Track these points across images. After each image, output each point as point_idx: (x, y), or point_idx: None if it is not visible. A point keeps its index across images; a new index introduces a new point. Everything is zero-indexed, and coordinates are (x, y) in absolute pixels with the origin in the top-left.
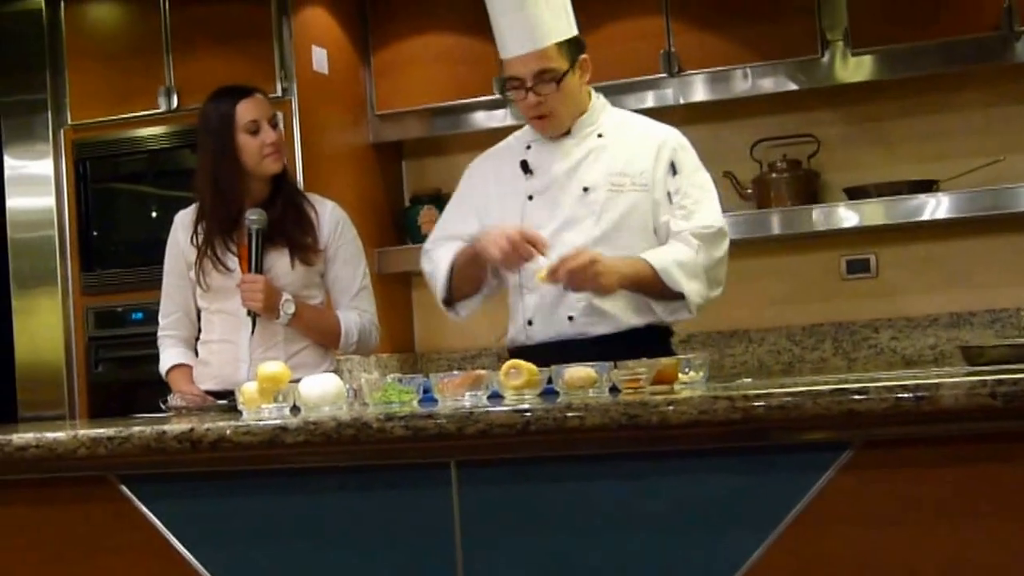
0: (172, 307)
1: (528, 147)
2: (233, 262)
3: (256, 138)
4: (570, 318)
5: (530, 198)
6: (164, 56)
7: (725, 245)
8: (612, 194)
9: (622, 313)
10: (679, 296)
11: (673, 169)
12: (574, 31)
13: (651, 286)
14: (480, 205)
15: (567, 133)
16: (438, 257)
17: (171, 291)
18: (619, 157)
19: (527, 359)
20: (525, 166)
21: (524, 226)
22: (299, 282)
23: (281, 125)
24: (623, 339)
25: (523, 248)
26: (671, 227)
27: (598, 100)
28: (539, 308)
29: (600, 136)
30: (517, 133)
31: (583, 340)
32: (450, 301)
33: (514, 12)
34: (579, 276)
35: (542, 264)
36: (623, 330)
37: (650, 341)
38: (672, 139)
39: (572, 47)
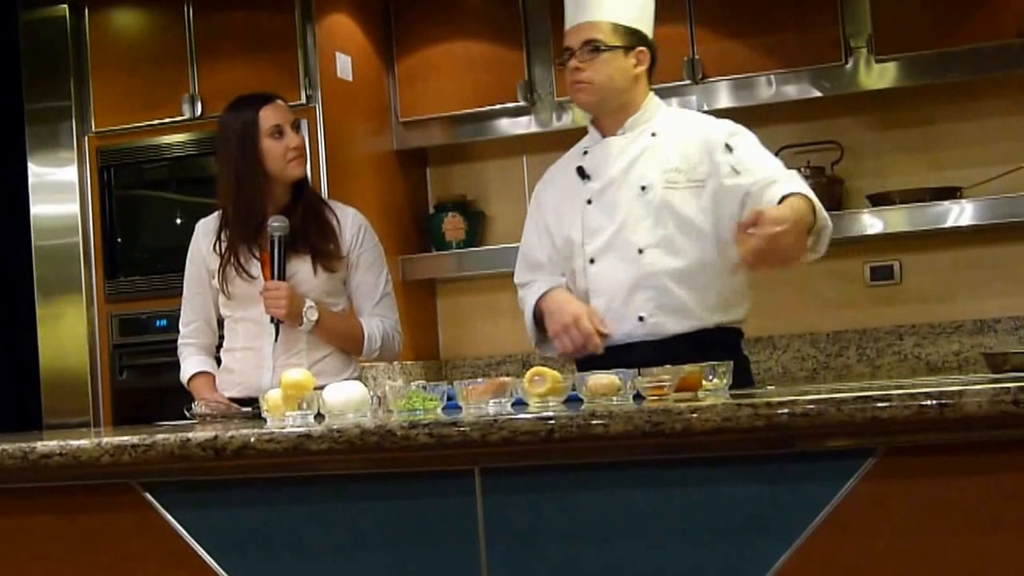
0: (193, 315)
1: (585, 152)
2: (256, 269)
3: (280, 142)
4: (640, 318)
5: (589, 202)
6: (188, 63)
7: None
8: (668, 191)
9: (692, 311)
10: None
11: (728, 148)
12: (639, 26)
13: (808, 216)
14: (547, 222)
15: (621, 133)
16: (526, 302)
17: (192, 299)
18: (673, 154)
19: (595, 365)
20: (582, 171)
21: (588, 311)
22: (322, 289)
23: (305, 131)
24: (692, 340)
25: (580, 340)
26: (751, 176)
27: (653, 99)
28: (608, 310)
29: (654, 135)
30: (579, 143)
31: (653, 342)
32: (545, 338)
33: None
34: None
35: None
36: (694, 330)
37: (720, 344)
38: (726, 129)
39: (631, 34)
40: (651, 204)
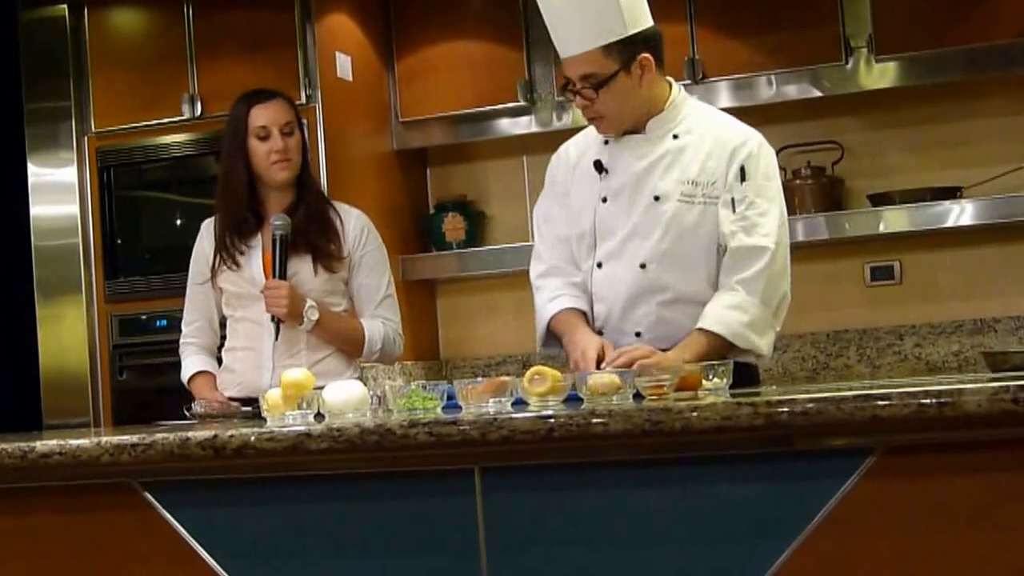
0: (195, 314)
1: (606, 142)
2: (243, 260)
3: (265, 144)
4: (637, 334)
5: (604, 200)
6: (188, 63)
7: (783, 267)
8: (682, 206)
9: (688, 330)
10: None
11: (742, 175)
12: (628, 29)
13: (722, 351)
14: (565, 197)
15: (642, 131)
16: (541, 304)
17: (194, 298)
18: (693, 164)
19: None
20: (599, 165)
21: (591, 349)
22: (322, 289)
23: (305, 132)
24: None
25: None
26: (732, 243)
27: (679, 95)
28: (608, 319)
29: (676, 137)
30: None
31: None
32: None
33: (561, 15)
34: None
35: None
36: None
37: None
38: (749, 144)
39: (625, 47)
40: (662, 217)
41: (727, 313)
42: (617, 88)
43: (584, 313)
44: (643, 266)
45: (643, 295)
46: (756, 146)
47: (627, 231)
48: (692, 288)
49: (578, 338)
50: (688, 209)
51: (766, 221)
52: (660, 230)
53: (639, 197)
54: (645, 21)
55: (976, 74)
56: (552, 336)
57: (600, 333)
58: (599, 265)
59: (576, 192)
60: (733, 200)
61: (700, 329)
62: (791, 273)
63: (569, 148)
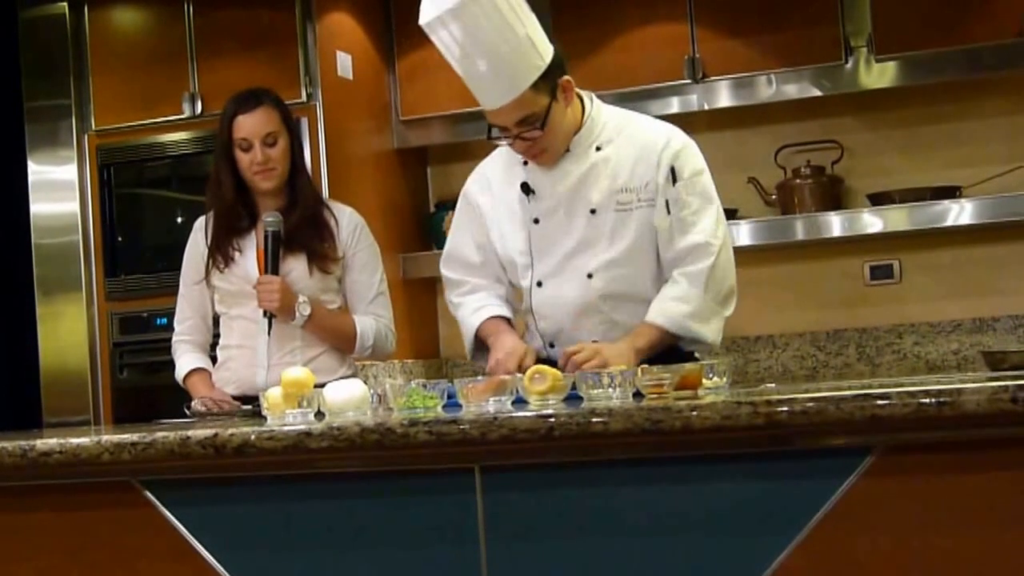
0: (189, 311)
1: (525, 163)
2: (237, 258)
3: (246, 155)
4: (594, 343)
5: (536, 221)
6: (188, 61)
7: (727, 259)
8: (620, 214)
9: None
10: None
11: (673, 176)
12: (545, 60)
13: (668, 340)
14: (486, 234)
15: (566, 151)
16: (463, 317)
17: (188, 295)
18: (622, 171)
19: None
20: (526, 188)
21: (525, 354)
22: (316, 288)
23: (305, 129)
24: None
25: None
26: (671, 246)
27: (592, 107)
28: (557, 335)
29: (599, 149)
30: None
31: None
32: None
33: (477, 69)
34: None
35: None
36: None
37: (678, 352)
38: (674, 143)
39: (548, 77)
40: (603, 228)
41: (669, 305)
42: (554, 119)
43: (509, 321)
44: (590, 276)
45: (593, 304)
46: (680, 145)
47: (570, 247)
48: (639, 291)
49: (504, 339)
50: (627, 216)
51: (700, 219)
52: (604, 241)
53: (576, 213)
54: (549, 45)
55: (976, 74)
56: (481, 347)
57: (551, 346)
58: (539, 284)
59: (503, 221)
60: (668, 203)
61: (646, 322)
62: (791, 272)
63: (486, 173)
